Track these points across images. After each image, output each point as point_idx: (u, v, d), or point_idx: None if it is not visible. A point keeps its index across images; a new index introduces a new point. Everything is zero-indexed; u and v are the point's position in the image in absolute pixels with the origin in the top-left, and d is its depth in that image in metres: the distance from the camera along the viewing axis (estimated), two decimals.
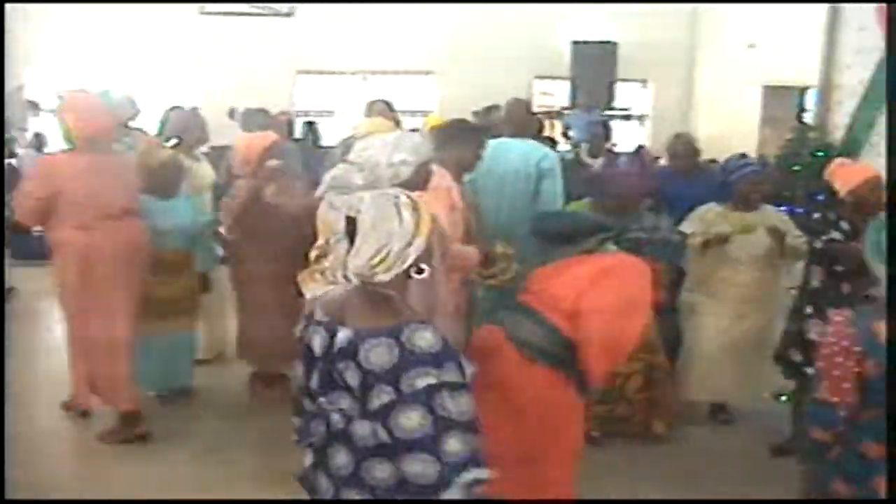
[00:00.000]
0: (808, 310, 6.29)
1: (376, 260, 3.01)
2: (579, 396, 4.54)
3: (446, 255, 4.73)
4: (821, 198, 8.71)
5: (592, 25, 15.58)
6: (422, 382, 2.91)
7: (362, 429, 3.04)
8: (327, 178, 6.16)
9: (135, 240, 6.31)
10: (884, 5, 11.52)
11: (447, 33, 15.44)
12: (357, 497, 3.08)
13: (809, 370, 6.21)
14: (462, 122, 6.28)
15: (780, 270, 6.78)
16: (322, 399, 3.16)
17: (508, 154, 6.63)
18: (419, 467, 2.92)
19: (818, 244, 6.21)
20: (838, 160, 6.81)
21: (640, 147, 8.78)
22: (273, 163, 6.82)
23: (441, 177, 5.04)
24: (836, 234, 6.15)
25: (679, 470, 6.19)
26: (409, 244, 3.03)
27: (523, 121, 6.91)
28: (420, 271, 3.07)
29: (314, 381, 3.17)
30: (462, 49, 15.39)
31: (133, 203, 6.37)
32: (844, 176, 6.32)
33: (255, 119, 10.02)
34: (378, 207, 3.06)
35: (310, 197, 6.73)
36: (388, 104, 9.11)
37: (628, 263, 4.53)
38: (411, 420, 2.90)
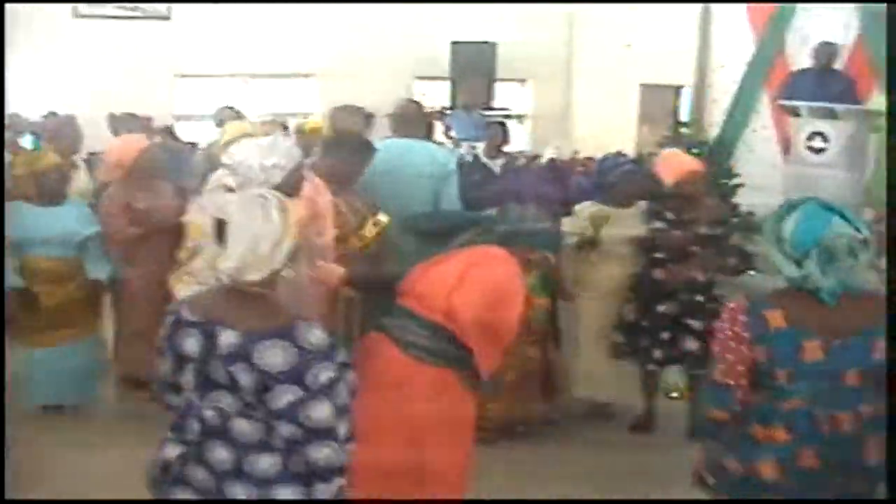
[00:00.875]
0: (629, 295, 6.61)
1: (246, 261, 3.11)
2: (471, 394, 4.63)
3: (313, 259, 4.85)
4: None
5: (471, 26, 15.69)
6: (325, 377, 3.10)
7: (242, 426, 3.17)
8: (210, 182, 6.16)
9: None
10: (754, 5, 11.89)
11: (327, 36, 15.39)
12: (241, 490, 3.18)
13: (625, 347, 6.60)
14: (352, 134, 6.34)
15: None
16: (191, 394, 3.24)
17: (410, 156, 6.63)
18: (328, 453, 3.12)
19: (642, 233, 6.51)
20: (665, 152, 6.99)
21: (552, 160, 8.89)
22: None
23: (309, 185, 5.08)
24: (658, 224, 6.46)
25: (564, 466, 6.26)
26: (278, 245, 3.14)
27: (416, 121, 6.93)
28: (285, 272, 3.20)
29: (187, 380, 3.24)
30: (343, 51, 15.35)
31: None
32: (669, 168, 6.57)
33: (125, 124, 9.93)
34: (246, 209, 3.16)
35: (181, 201, 6.74)
36: (233, 109, 9.12)
37: (493, 255, 4.60)
38: (323, 412, 3.09)
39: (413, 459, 4.37)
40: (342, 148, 5.69)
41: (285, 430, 3.10)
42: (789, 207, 3.53)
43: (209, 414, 3.19)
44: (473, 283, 4.41)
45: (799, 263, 3.43)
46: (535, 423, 6.66)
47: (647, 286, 6.55)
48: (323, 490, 3.18)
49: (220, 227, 3.13)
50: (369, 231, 5.60)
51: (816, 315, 3.42)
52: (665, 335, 6.49)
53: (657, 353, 6.55)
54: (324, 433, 3.10)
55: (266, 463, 3.17)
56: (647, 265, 6.55)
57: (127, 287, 6.89)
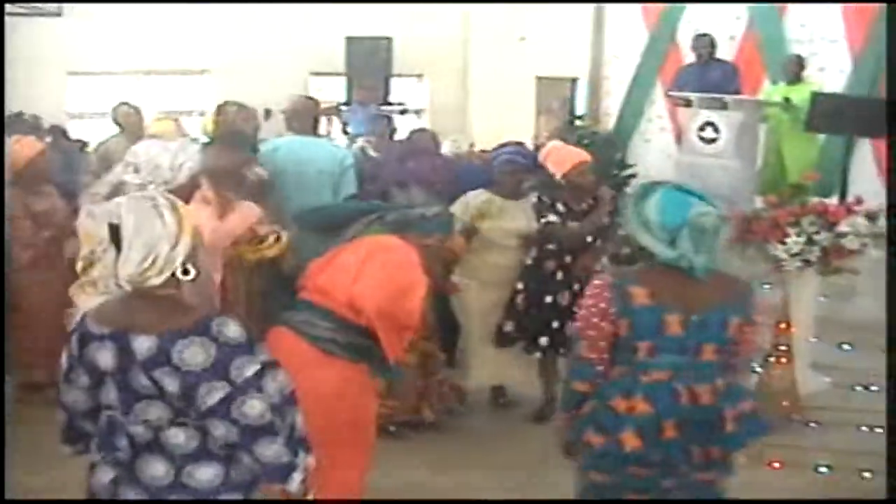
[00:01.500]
0: (519, 285, 6.58)
1: (146, 265, 3.02)
2: (374, 388, 4.65)
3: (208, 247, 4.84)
4: None
5: (366, 21, 15.65)
6: (249, 371, 3.05)
7: (177, 437, 3.08)
8: (103, 180, 6.10)
9: None
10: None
11: (222, 32, 15.25)
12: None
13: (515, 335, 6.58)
14: (231, 131, 6.39)
15: None
16: (112, 412, 3.14)
17: (309, 153, 6.62)
18: (273, 451, 3.08)
19: (535, 226, 6.47)
20: (553, 143, 6.99)
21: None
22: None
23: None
24: (552, 217, 6.43)
25: (459, 455, 6.26)
26: (176, 245, 3.06)
27: (311, 118, 6.90)
28: (186, 272, 3.10)
29: (109, 397, 3.13)
30: (238, 48, 15.23)
31: None
32: (557, 160, 6.54)
33: (16, 126, 9.75)
34: (138, 212, 3.06)
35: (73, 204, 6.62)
36: (129, 106, 9.01)
37: (390, 245, 4.61)
38: (255, 408, 3.04)
39: (321, 454, 4.36)
40: (222, 144, 5.69)
41: (220, 430, 3.04)
42: (644, 191, 3.71)
43: (138, 429, 3.10)
44: (373, 274, 4.42)
45: (671, 243, 3.59)
46: (432, 417, 6.63)
47: (538, 276, 6.56)
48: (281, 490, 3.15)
49: (115, 233, 3.04)
50: (269, 250, 5.60)
51: (677, 291, 3.61)
52: (555, 324, 6.54)
53: (543, 340, 6.59)
54: (263, 430, 3.05)
55: (208, 473, 3.10)
56: (540, 256, 6.55)
57: (27, 294, 6.75)
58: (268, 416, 3.05)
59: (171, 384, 3.01)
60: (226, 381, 3.01)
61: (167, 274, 3.06)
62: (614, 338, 3.67)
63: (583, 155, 6.63)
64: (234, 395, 3.01)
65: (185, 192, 4.51)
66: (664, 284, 3.63)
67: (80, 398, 3.23)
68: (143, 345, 3.02)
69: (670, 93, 10.90)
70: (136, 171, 4.57)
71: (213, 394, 3.00)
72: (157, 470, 3.10)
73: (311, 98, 7.32)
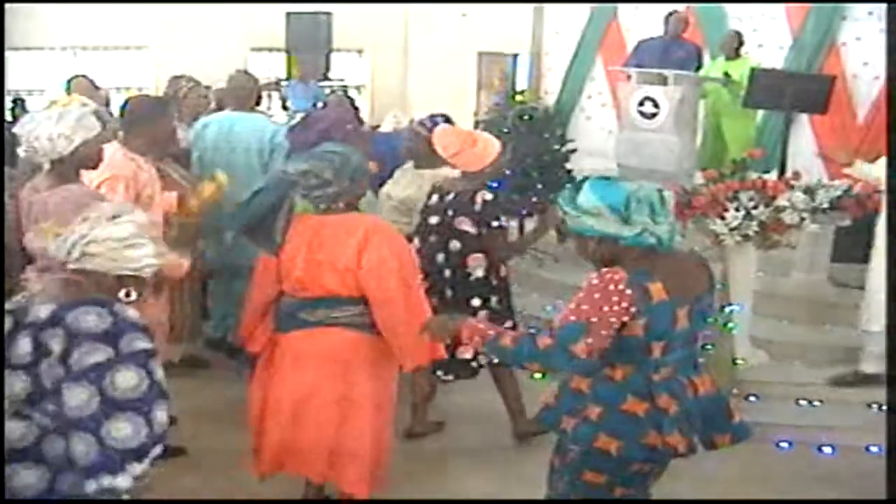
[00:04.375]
0: (476, 302, 5.69)
1: None
2: None
3: None
4: (529, 160, 8.98)
5: None
6: (141, 345, 3.00)
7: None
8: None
9: None
10: None
11: (161, 7, 15.05)
12: None
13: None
14: (146, 97, 6.38)
15: None
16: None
17: (238, 129, 6.53)
18: (130, 430, 2.91)
19: (485, 230, 5.61)
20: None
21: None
22: None
23: (123, 158, 5.17)
24: (504, 220, 5.70)
25: None
26: None
27: (247, 94, 6.81)
28: None
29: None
30: (177, 23, 15.05)
31: None
32: (465, 162, 5.72)
33: None
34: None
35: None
36: (88, 80, 8.83)
37: (379, 229, 4.57)
38: (130, 380, 2.94)
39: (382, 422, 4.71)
40: (145, 113, 5.57)
41: (78, 400, 2.91)
42: (570, 192, 3.53)
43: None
44: (376, 259, 4.43)
45: (626, 222, 3.42)
46: None
47: (489, 288, 5.79)
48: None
49: None
50: (207, 189, 5.48)
51: (679, 280, 3.48)
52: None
53: None
54: (126, 406, 2.91)
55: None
56: (491, 265, 5.75)
57: None
58: (138, 394, 2.92)
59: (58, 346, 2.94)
60: (112, 347, 2.92)
61: None
62: (622, 336, 3.43)
63: (486, 160, 5.70)
64: (113, 363, 2.91)
65: (70, 166, 4.40)
66: (669, 273, 3.46)
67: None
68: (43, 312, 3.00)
69: (611, 67, 10.89)
70: (21, 143, 4.43)
71: (94, 354, 2.90)
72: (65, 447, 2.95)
73: (247, 73, 7.20)
